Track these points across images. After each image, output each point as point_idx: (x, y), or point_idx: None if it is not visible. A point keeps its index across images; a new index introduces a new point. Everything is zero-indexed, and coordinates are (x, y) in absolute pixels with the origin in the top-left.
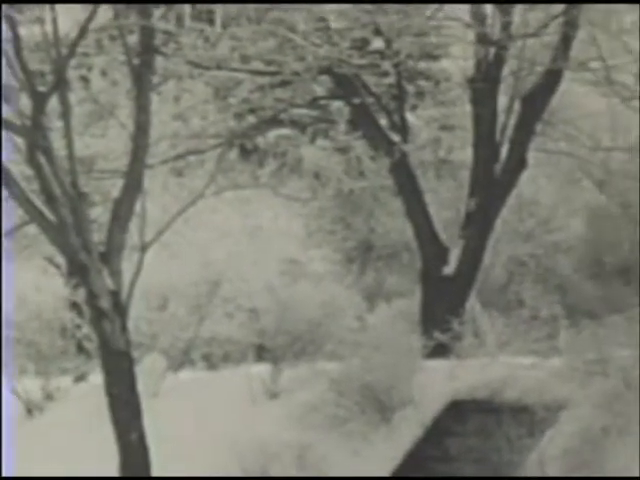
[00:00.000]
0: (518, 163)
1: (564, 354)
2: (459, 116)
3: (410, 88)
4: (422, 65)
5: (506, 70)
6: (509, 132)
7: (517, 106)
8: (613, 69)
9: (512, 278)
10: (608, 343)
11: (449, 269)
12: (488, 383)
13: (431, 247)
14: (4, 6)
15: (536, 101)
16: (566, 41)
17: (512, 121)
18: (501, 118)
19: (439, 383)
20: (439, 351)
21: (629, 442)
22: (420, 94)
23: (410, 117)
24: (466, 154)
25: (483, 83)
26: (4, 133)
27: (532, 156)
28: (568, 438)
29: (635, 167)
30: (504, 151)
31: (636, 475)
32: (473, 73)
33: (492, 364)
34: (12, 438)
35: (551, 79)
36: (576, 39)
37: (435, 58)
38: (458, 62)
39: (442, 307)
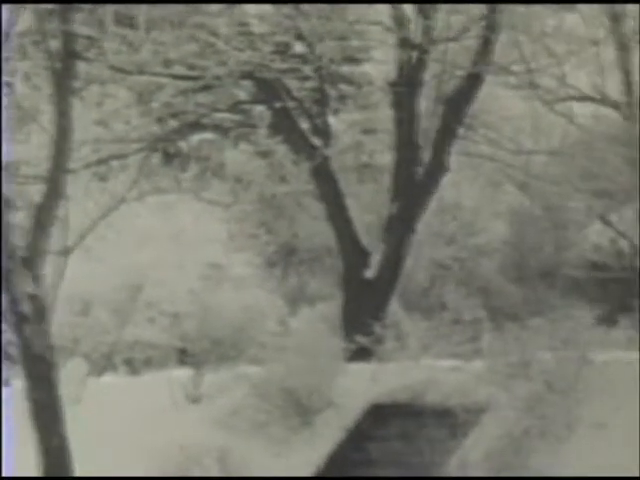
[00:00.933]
0: (440, 167)
1: (487, 357)
2: (381, 120)
3: (332, 92)
4: (344, 69)
5: (428, 74)
6: (431, 136)
7: (439, 110)
8: (536, 72)
9: (434, 281)
10: (531, 346)
11: (371, 273)
12: (410, 386)
13: (352, 251)
14: None
15: (458, 105)
16: (487, 44)
17: (434, 125)
18: (423, 122)
19: (361, 386)
20: (361, 354)
21: (551, 444)
22: (342, 98)
23: (332, 121)
24: (388, 158)
25: (405, 87)
26: None
27: (454, 160)
28: (490, 440)
29: (557, 170)
30: (426, 155)
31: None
32: (395, 77)
33: (414, 367)
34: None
35: (473, 83)
36: (498, 42)
37: (357, 62)
38: (380, 66)
39: (364, 311)
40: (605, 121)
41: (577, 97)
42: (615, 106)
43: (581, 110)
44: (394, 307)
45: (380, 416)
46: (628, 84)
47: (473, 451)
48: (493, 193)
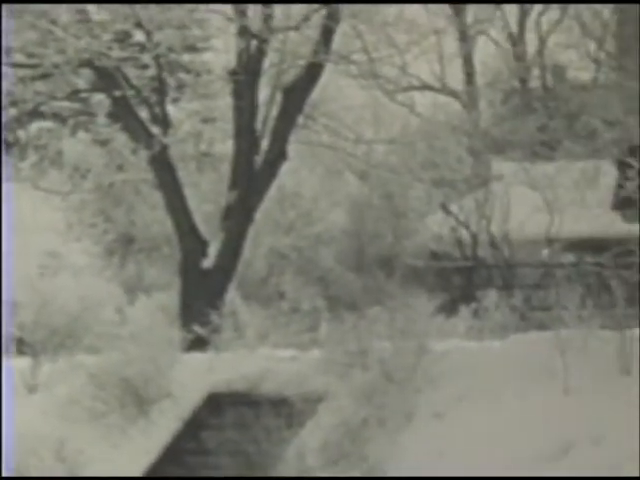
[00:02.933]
0: (279, 155)
1: (324, 346)
2: (220, 109)
3: (171, 81)
4: (184, 58)
5: (267, 63)
6: (270, 124)
7: (278, 98)
8: (377, 62)
9: (273, 270)
10: (369, 335)
11: (209, 262)
12: (246, 376)
13: (190, 240)
14: None
15: (297, 94)
16: (327, 34)
17: (273, 113)
18: (262, 111)
19: (197, 376)
20: (198, 344)
21: (389, 433)
22: (181, 87)
23: (171, 110)
24: (227, 147)
25: (244, 76)
26: None
27: (294, 148)
28: (328, 430)
29: (397, 159)
30: (265, 144)
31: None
32: (234, 66)
33: (251, 357)
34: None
35: (313, 72)
36: (340, 32)
37: (197, 51)
38: (220, 55)
39: (201, 300)
40: (446, 110)
41: (418, 86)
42: (456, 95)
43: (422, 99)
44: (232, 296)
45: (217, 405)
46: (469, 74)
47: (310, 440)
48: (333, 182)
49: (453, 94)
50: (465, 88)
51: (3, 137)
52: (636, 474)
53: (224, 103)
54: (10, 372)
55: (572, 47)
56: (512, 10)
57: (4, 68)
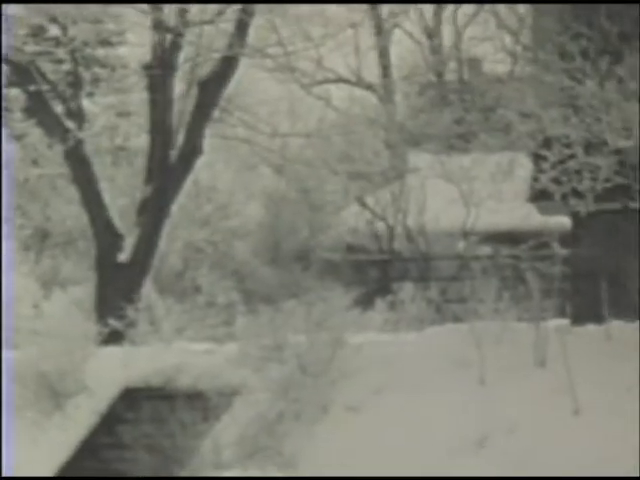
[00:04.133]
0: (194, 149)
1: (240, 340)
2: (135, 103)
3: (86, 75)
4: (99, 52)
5: (182, 57)
6: (185, 118)
7: (193, 92)
8: (292, 55)
9: (188, 264)
10: (284, 328)
11: (124, 256)
12: (162, 370)
13: (106, 234)
14: None
15: (212, 87)
16: (242, 28)
17: (189, 107)
18: (177, 105)
19: (113, 370)
20: (114, 338)
21: (305, 427)
22: (96, 81)
23: (86, 104)
24: (142, 141)
25: (159, 70)
26: None
27: (209, 142)
28: (243, 424)
29: (313, 153)
30: (180, 138)
31: None
32: (149, 60)
33: (167, 351)
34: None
35: (228, 65)
36: (255, 26)
37: (112, 45)
38: (134, 49)
39: (117, 294)
40: (362, 103)
41: (334, 80)
42: (372, 89)
43: (338, 93)
44: (147, 290)
45: (132, 400)
46: (384, 67)
47: (225, 434)
48: (248, 176)
49: (369, 87)
50: (381, 81)
51: None
52: (545, 467)
53: (139, 97)
54: None
55: (488, 40)
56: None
57: None
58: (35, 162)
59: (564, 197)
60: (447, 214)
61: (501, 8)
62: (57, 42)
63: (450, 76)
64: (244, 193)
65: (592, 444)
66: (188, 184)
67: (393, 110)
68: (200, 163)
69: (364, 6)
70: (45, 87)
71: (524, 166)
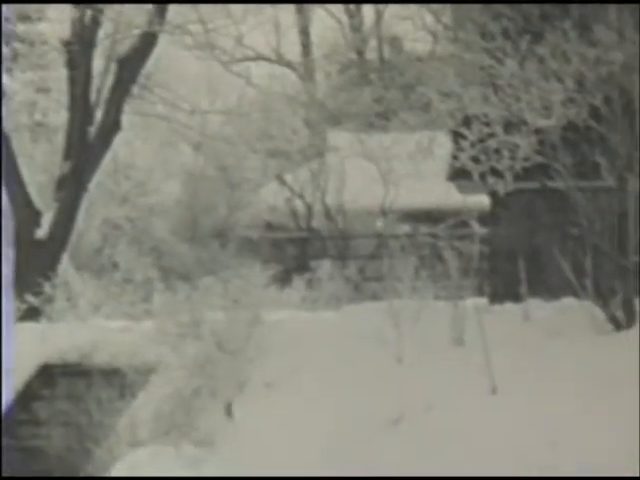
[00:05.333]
0: (113, 126)
1: (157, 317)
2: (55, 79)
3: (6, 51)
4: (19, 28)
5: (102, 33)
6: (105, 95)
7: (113, 69)
8: (212, 32)
9: (106, 241)
10: (201, 305)
11: (42, 232)
12: (79, 346)
13: (24, 211)
14: None
15: (132, 64)
16: (162, 4)
17: (108, 84)
18: (97, 81)
19: (30, 347)
20: (31, 314)
21: (221, 404)
22: (16, 57)
23: (5, 80)
24: (61, 117)
25: (78, 46)
26: None
27: (128, 119)
28: (159, 401)
29: (232, 130)
30: (99, 114)
31: None
32: (69, 36)
33: (83, 327)
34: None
35: (147, 42)
36: (175, 2)
37: (31, 21)
38: (54, 25)
39: (34, 270)
40: (282, 81)
41: (254, 58)
42: (292, 67)
43: (258, 71)
44: (65, 267)
45: (49, 376)
46: (305, 45)
47: (142, 411)
48: (167, 153)
49: (289, 65)
50: (301, 59)
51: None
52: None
53: (58, 73)
54: None
55: (409, 19)
56: None
57: None
58: None
59: (483, 176)
60: (366, 192)
61: None
62: None
63: (370, 55)
64: (163, 170)
65: (509, 423)
66: (107, 161)
67: (313, 88)
68: (119, 140)
69: None
70: None
71: (443, 145)
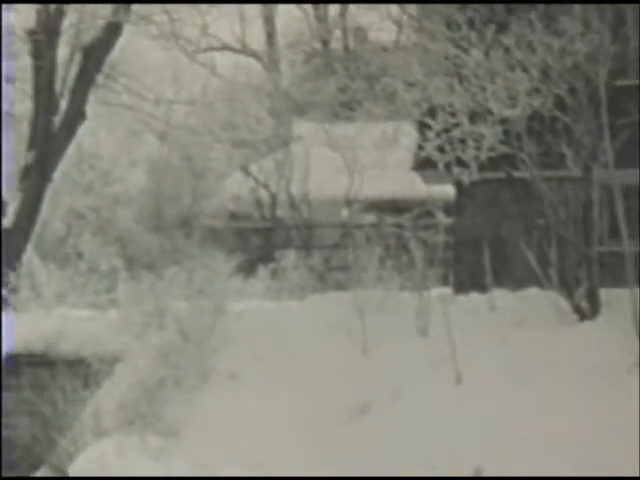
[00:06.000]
0: (77, 115)
1: (122, 306)
2: (20, 68)
3: None
4: None
5: (67, 22)
6: (69, 84)
7: (78, 58)
8: (177, 22)
9: (71, 230)
10: (166, 295)
11: (7, 222)
12: (44, 336)
13: None
14: None
15: (96, 54)
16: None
17: (72, 73)
18: (61, 70)
19: None
20: None
21: (185, 393)
22: None
23: None
24: (26, 106)
25: (43, 35)
26: None
27: (93, 109)
28: (124, 390)
29: (197, 120)
30: (64, 103)
31: None
32: (33, 25)
33: (48, 317)
34: None
35: (112, 32)
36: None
37: None
38: (19, 14)
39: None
40: (247, 71)
41: (218, 47)
42: (256, 56)
43: (223, 60)
44: (30, 256)
45: (14, 366)
46: (270, 35)
47: (106, 401)
48: (132, 142)
49: (254, 55)
50: (266, 49)
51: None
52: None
53: (23, 63)
54: None
55: (374, 9)
56: None
57: None
58: None
59: (448, 166)
60: (331, 182)
61: None
62: None
63: (335, 44)
64: (127, 160)
65: (473, 412)
66: (71, 150)
67: (278, 78)
68: (83, 129)
69: None
70: None
71: (409, 135)
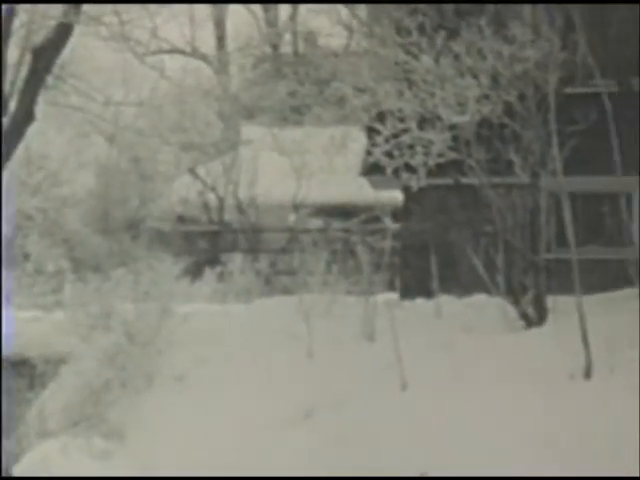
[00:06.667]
0: (26, 116)
1: (68, 308)
2: None
3: None
4: None
5: (17, 23)
6: (18, 85)
7: (27, 59)
8: (127, 24)
9: (18, 232)
10: (112, 297)
11: None
12: None
13: None
14: None
15: (47, 54)
16: None
17: (22, 74)
18: (10, 71)
19: None
20: None
21: (130, 396)
22: None
23: None
24: None
25: None
26: None
27: (42, 109)
28: (70, 391)
29: (146, 122)
30: (12, 104)
31: None
32: None
33: None
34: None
35: (62, 33)
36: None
37: None
38: None
39: None
40: (196, 74)
41: (168, 50)
42: (206, 60)
43: (172, 63)
44: None
45: None
46: (220, 38)
47: (51, 402)
48: (81, 144)
49: (203, 58)
50: (216, 53)
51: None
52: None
53: None
54: None
55: (324, 13)
56: None
57: None
58: None
59: (396, 171)
60: (279, 186)
61: None
62: None
63: (285, 49)
64: (76, 161)
65: (419, 418)
66: (20, 151)
67: (227, 82)
68: (32, 130)
69: None
70: None
71: (357, 140)
